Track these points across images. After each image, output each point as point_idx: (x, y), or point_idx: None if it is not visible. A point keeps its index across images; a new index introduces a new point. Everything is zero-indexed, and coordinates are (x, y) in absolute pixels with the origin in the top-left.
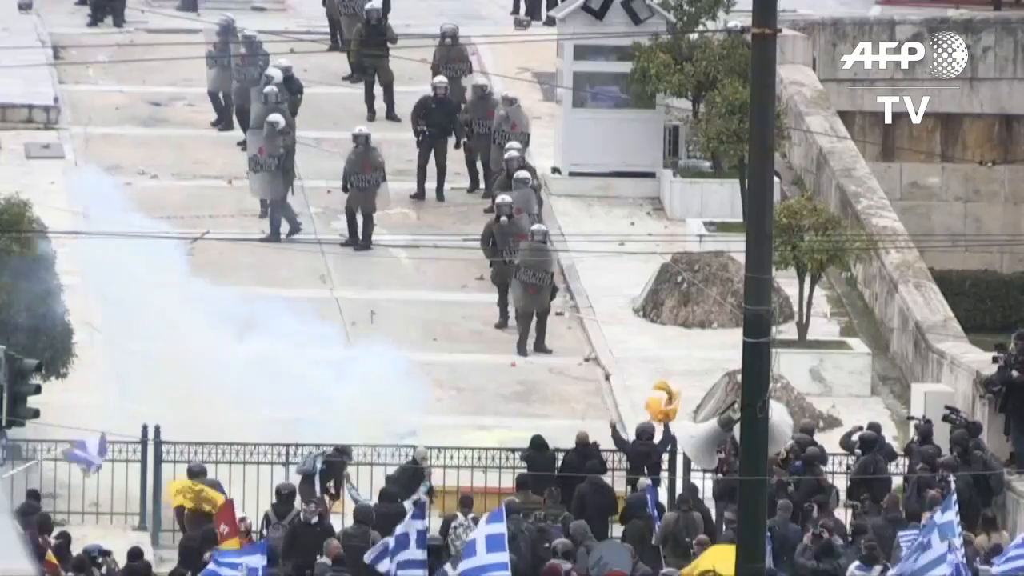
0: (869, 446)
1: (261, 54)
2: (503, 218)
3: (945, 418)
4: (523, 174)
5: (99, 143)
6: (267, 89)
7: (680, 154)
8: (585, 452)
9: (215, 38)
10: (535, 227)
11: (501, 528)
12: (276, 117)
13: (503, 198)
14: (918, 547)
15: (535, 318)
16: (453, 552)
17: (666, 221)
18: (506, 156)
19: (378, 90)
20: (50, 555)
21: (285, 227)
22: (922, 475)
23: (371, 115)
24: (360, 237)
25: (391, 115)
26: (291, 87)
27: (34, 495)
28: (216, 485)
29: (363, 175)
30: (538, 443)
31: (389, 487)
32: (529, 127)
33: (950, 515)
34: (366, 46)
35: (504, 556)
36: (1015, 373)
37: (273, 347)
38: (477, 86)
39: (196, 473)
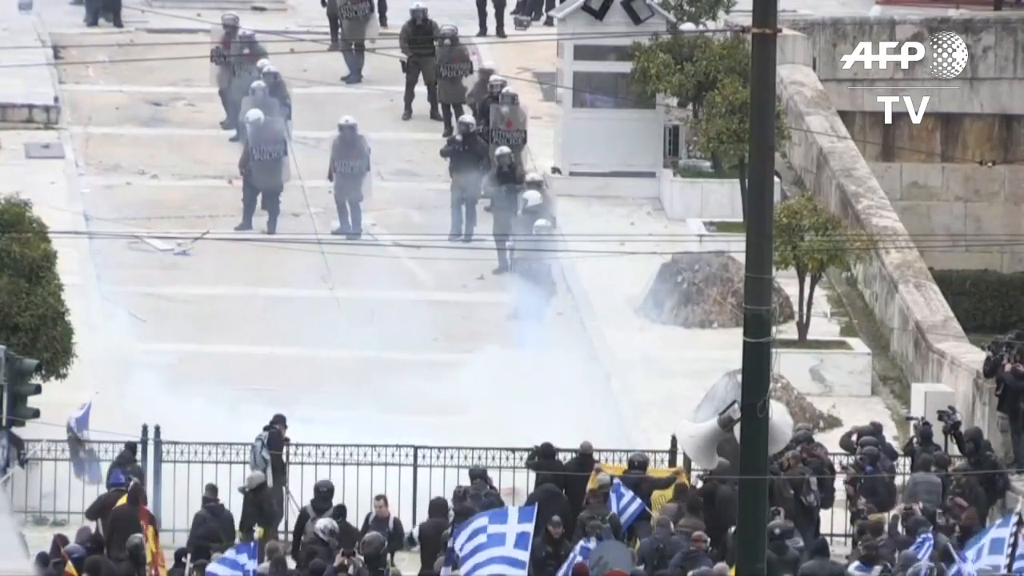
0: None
1: (262, 53)
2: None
3: (940, 415)
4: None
5: (99, 143)
6: (254, 84)
7: (680, 154)
8: (583, 463)
9: (219, 36)
10: (539, 222)
11: (530, 528)
12: (257, 113)
13: (531, 195)
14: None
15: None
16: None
17: (666, 221)
18: (497, 153)
19: (420, 89)
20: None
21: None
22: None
23: (408, 114)
24: (351, 226)
25: (435, 115)
26: (279, 93)
27: None
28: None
29: (348, 161)
30: (547, 451)
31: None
32: (526, 124)
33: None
34: (413, 45)
35: (526, 555)
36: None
37: None
38: (484, 70)
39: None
